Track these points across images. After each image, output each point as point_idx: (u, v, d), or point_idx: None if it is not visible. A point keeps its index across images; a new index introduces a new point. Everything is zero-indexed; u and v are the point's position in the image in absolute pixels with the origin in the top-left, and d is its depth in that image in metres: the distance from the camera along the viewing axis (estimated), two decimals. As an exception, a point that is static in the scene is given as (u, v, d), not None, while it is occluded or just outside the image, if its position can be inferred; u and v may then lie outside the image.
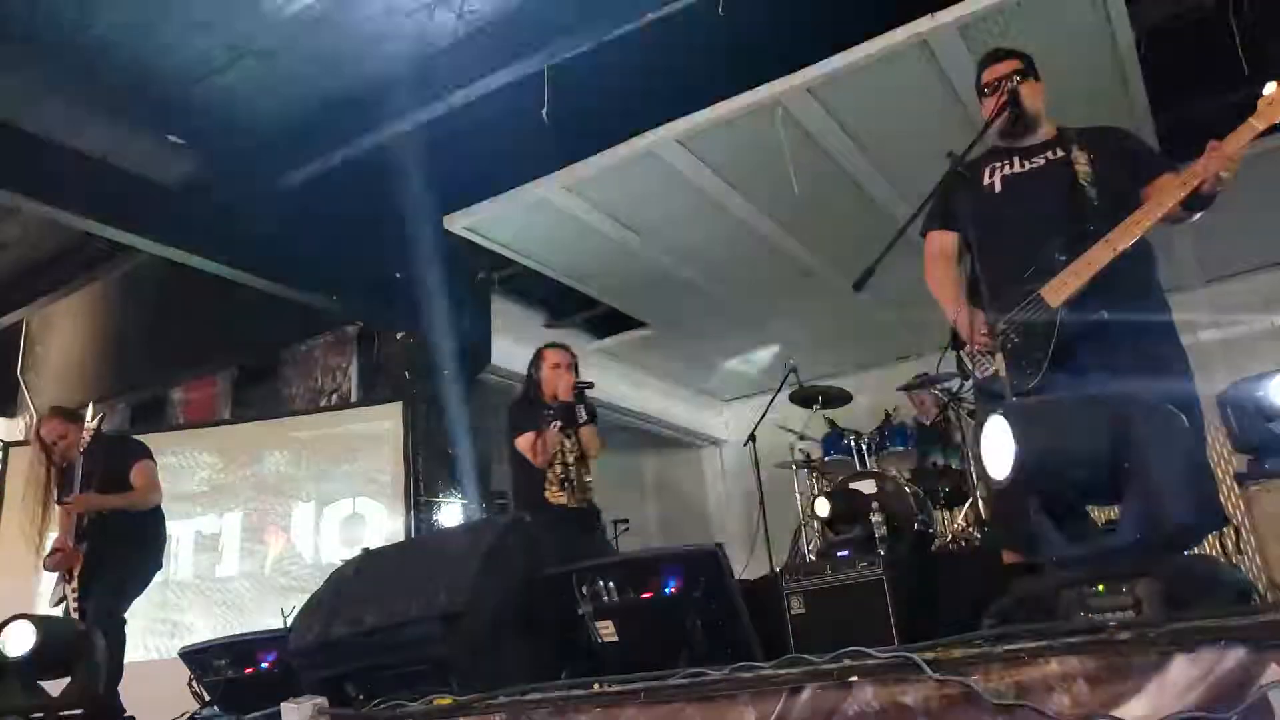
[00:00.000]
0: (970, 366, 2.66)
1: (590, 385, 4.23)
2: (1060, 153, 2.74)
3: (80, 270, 6.86)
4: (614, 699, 1.97)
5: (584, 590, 2.57)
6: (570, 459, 4.12)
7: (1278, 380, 2.92)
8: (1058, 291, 2.45)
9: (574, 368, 4.28)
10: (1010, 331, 2.52)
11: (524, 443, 4.11)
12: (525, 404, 4.31)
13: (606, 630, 2.51)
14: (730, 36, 4.59)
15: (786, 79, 4.62)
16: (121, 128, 5.52)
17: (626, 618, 2.51)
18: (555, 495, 4.06)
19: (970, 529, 4.94)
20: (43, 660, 3.70)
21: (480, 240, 5.96)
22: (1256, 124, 2.33)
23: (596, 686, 2.07)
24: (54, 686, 3.80)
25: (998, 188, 2.79)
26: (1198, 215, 2.53)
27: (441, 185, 5.82)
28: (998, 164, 2.84)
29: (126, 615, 4.45)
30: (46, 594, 4.59)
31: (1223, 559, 3.67)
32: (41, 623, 3.75)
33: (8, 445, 7.29)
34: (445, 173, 5.79)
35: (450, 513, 6.59)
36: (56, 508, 4.34)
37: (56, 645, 3.75)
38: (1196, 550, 2.49)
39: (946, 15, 4.22)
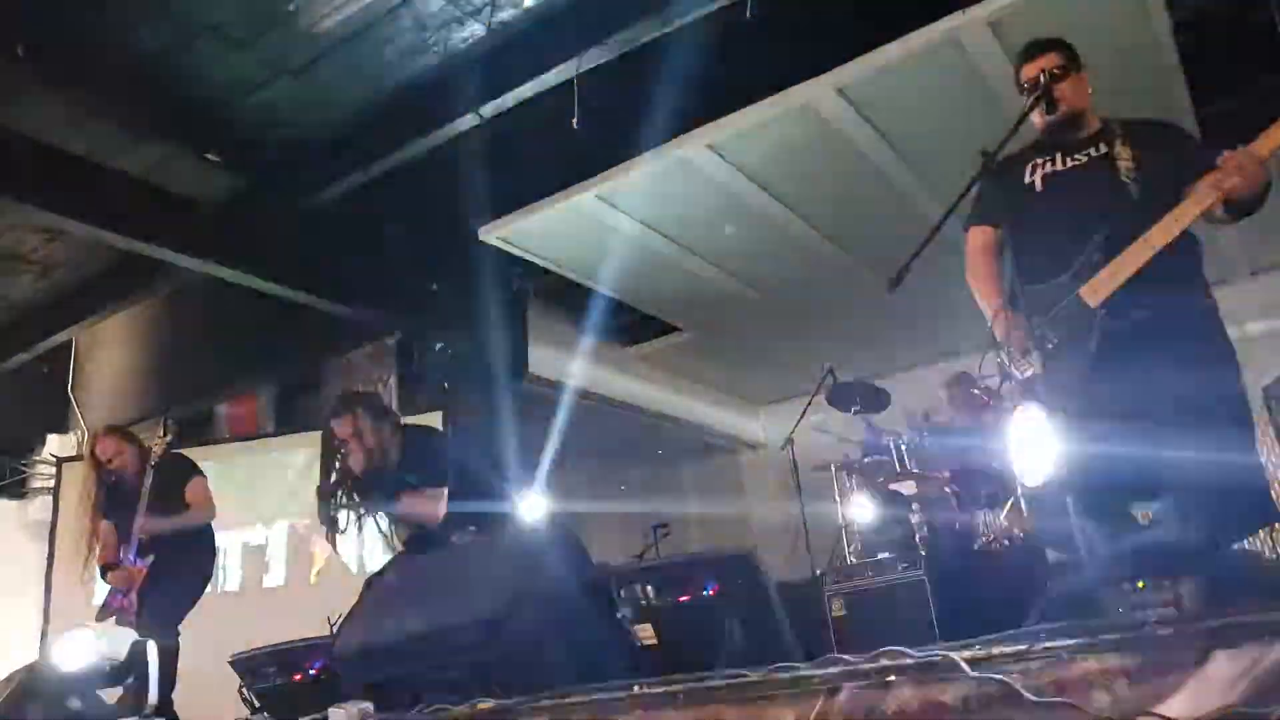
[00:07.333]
0: (1010, 367, 2.63)
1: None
2: (1103, 148, 2.68)
3: (126, 289, 6.99)
4: (654, 701, 1.98)
5: (623, 594, 2.59)
6: None
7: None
8: (1096, 291, 2.42)
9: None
10: (1049, 332, 2.49)
11: None
12: None
13: (646, 633, 2.53)
14: (759, 40, 4.60)
15: (817, 80, 4.60)
16: (162, 148, 5.65)
17: (665, 621, 2.53)
18: None
19: (1013, 528, 4.88)
20: (100, 671, 3.79)
21: (515, 250, 6.00)
22: None
23: (636, 689, 2.08)
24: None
25: (1039, 186, 2.73)
26: (1245, 218, 2.47)
27: (476, 196, 5.88)
28: (1040, 160, 2.77)
29: (180, 626, 4.54)
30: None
31: (1272, 554, 3.60)
32: (98, 634, 3.84)
33: (60, 460, 7.48)
34: (479, 184, 5.85)
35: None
36: (103, 524, 4.42)
37: (113, 656, 3.83)
38: (1245, 545, 2.44)
39: (978, 10, 4.19)
